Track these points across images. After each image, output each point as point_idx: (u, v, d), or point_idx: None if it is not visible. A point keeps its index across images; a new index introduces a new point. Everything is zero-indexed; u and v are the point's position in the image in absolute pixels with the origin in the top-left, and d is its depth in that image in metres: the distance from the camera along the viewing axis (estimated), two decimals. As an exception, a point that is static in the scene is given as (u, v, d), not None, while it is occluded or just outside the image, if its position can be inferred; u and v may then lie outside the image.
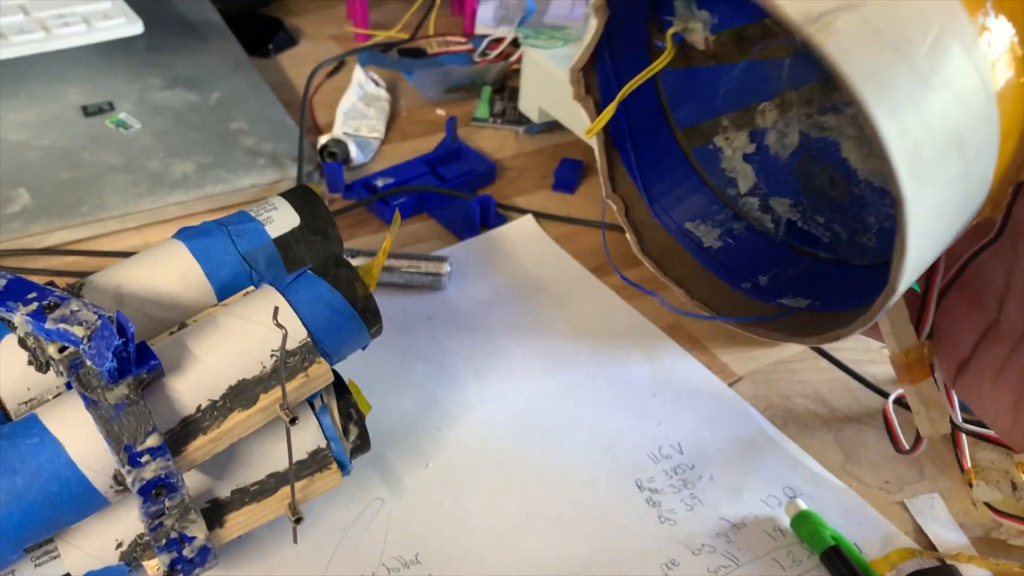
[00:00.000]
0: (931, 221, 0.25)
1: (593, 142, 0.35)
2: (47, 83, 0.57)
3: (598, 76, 0.34)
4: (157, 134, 0.54)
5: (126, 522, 0.30)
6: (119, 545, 0.30)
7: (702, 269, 0.35)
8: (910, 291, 0.31)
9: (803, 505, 0.37)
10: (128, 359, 0.27)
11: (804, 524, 0.36)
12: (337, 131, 0.57)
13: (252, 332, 0.30)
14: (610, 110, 0.32)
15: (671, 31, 0.33)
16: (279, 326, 0.29)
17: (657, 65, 0.32)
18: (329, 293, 0.32)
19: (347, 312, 0.32)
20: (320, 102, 0.61)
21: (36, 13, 0.54)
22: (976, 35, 0.25)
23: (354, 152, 0.55)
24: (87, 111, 0.55)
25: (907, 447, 0.34)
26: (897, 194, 0.24)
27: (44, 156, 0.52)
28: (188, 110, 0.56)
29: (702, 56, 0.35)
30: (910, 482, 0.39)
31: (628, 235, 0.35)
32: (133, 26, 0.56)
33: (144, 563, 0.30)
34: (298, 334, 0.30)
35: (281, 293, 0.31)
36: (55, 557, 0.29)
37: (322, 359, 0.31)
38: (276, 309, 0.29)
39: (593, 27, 0.30)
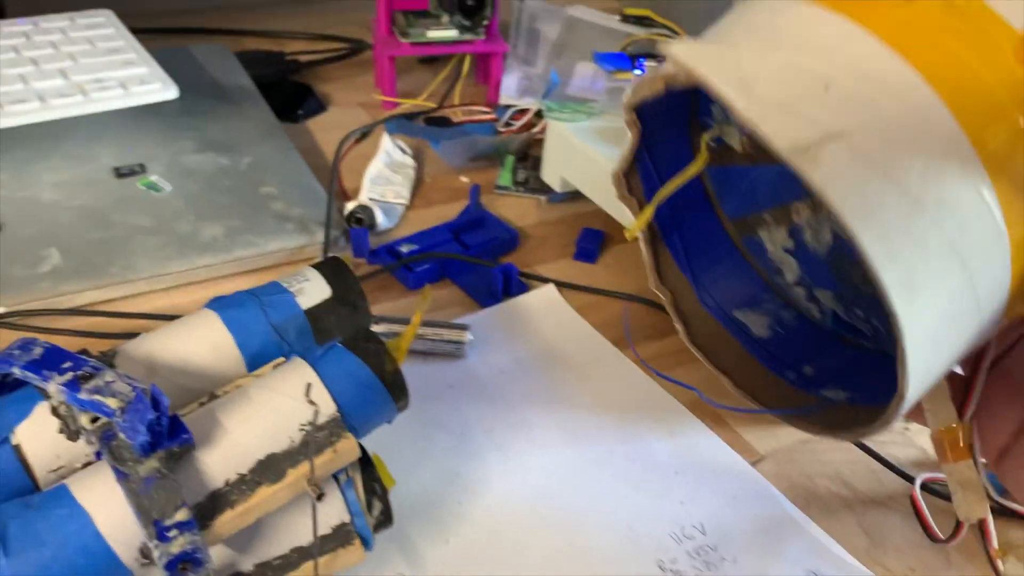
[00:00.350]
0: (933, 334, 0.25)
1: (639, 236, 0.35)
2: (82, 144, 0.58)
3: (640, 175, 0.34)
4: (187, 197, 0.55)
5: (148, 595, 0.30)
6: (140, 618, 0.30)
7: (748, 357, 0.36)
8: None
9: (828, 591, 0.36)
10: (161, 432, 0.27)
11: (829, 611, 0.35)
12: (363, 197, 0.58)
13: (282, 406, 0.30)
14: (649, 212, 0.33)
15: (706, 136, 0.33)
16: (311, 403, 0.29)
17: (691, 171, 0.33)
18: (358, 367, 0.32)
19: (375, 387, 0.32)
20: (347, 167, 0.62)
21: (75, 77, 0.56)
22: (973, 148, 0.25)
23: (380, 218, 0.56)
24: (119, 173, 0.56)
25: (941, 535, 0.33)
26: (891, 313, 0.24)
27: (76, 216, 0.52)
28: (219, 174, 0.57)
29: (740, 157, 0.35)
30: (936, 569, 0.39)
31: (676, 325, 0.36)
32: (168, 91, 0.57)
33: (164, 637, 0.30)
34: (327, 409, 0.31)
35: (311, 366, 0.32)
36: (76, 629, 0.29)
37: (350, 435, 0.31)
38: (308, 385, 0.30)
39: (630, 139, 0.31)
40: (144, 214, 0.53)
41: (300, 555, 0.32)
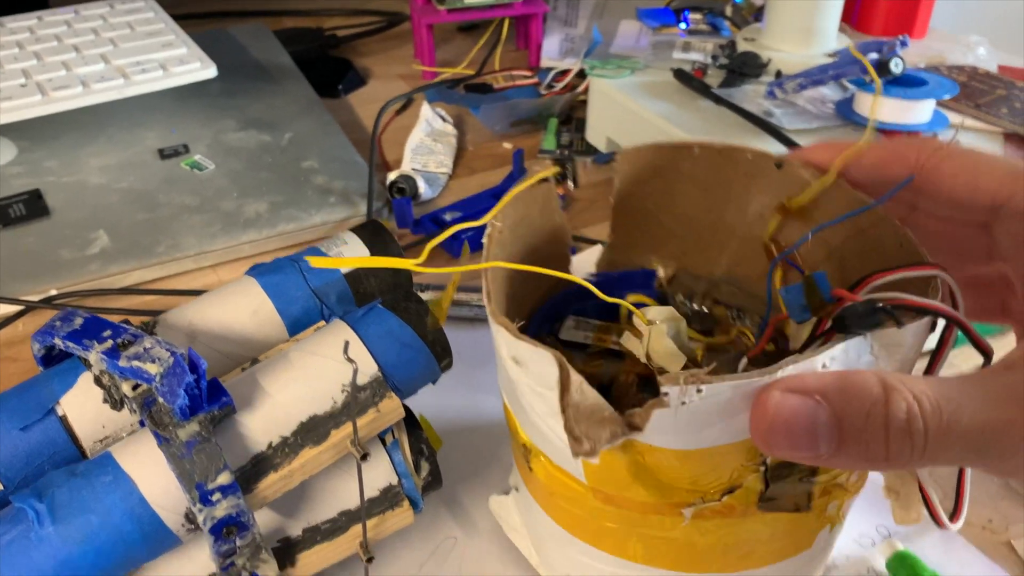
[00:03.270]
0: None
1: None
2: (126, 128, 0.59)
3: None
4: (231, 175, 0.55)
5: (197, 561, 0.29)
6: (192, 585, 0.30)
7: None
8: None
9: (899, 545, 0.34)
10: (200, 396, 0.27)
11: (901, 565, 0.34)
12: (405, 167, 0.57)
13: (323, 367, 0.30)
14: None
15: None
16: (349, 361, 0.29)
17: None
18: (399, 327, 0.31)
19: (417, 346, 0.31)
20: (388, 139, 0.62)
21: (116, 61, 0.56)
22: None
23: (422, 187, 0.55)
24: (163, 154, 0.57)
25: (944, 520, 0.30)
26: None
27: (122, 198, 0.53)
28: (261, 151, 0.57)
29: None
30: (1015, 521, 0.37)
31: None
32: (207, 70, 0.57)
33: (216, 603, 0.30)
34: (369, 369, 0.30)
35: (352, 328, 0.31)
36: (129, 597, 0.29)
37: (393, 394, 0.30)
38: (347, 344, 0.29)
39: None
40: (189, 193, 0.53)
41: (348, 518, 0.31)
